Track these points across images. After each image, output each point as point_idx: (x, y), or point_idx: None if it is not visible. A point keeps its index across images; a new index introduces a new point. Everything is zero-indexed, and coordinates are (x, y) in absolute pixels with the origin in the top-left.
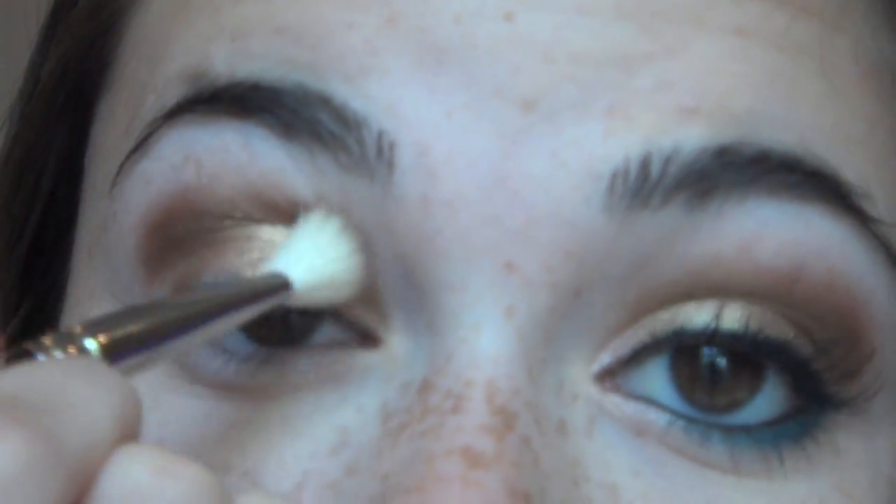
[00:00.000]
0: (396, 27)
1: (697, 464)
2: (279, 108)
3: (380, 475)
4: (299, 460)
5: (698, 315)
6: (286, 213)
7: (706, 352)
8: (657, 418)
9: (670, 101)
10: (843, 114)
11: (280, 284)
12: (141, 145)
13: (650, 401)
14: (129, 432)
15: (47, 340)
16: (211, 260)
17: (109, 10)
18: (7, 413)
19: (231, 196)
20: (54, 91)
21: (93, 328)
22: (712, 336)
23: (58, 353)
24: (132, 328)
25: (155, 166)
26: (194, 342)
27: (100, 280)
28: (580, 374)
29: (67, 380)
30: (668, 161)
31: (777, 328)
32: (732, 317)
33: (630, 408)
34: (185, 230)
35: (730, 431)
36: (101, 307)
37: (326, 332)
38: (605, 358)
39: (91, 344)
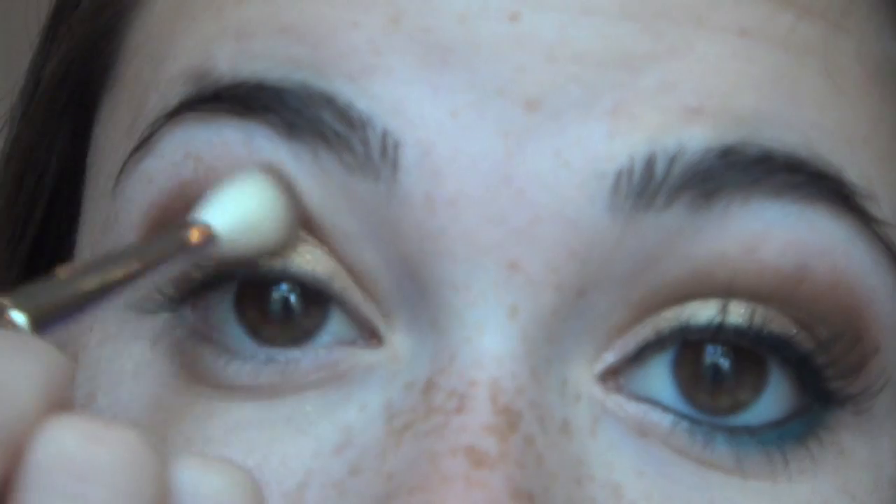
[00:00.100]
0: (400, 27)
1: (701, 465)
2: (283, 108)
3: (384, 474)
4: (303, 459)
5: (703, 311)
6: None
7: (709, 352)
8: (661, 419)
9: (674, 101)
10: (847, 114)
11: (206, 235)
12: (143, 144)
13: (653, 402)
14: (59, 402)
15: None
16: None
17: (112, 10)
18: None
19: None
20: (56, 91)
21: (19, 299)
22: (717, 331)
23: None
24: (60, 295)
25: (157, 164)
26: (125, 298)
27: None
28: (583, 374)
29: None
30: (672, 161)
31: (781, 324)
32: (737, 311)
33: (633, 408)
34: None
35: (734, 433)
36: (104, 308)
37: (331, 331)
38: (609, 357)
39: (18, 316)
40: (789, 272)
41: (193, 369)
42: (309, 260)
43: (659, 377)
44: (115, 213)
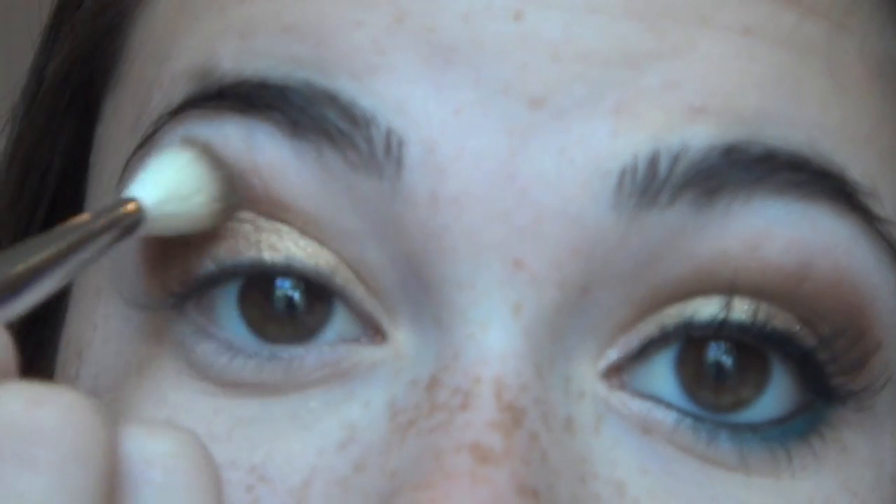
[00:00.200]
0: (404, 25)
1: (705, 462)
2: (286, 106)
3: (388, 471)
4: (307, 456)
5: (706, 307)
6: (283, 207)
7: (712, 349)
8: (665, 417)
9: (678, 99)
10: (850, 113)
11: (135, 210)
12: (146, 142)
13: (656, 399)
14: (1, 374)
15: None
16: (211, 251)
17: (115, 9)
18: None
19: None
20: (59, 90)
21: None
22: (720, 327)
23: None
24: None
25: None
26: (62, 278)
27: (105, 276)
28: (587, 371)
29: None
30: (676, 159)
31: (783, 321)
32: (741, 308)
33: (636, 405)
34: None
35: (737, 430)
36: (107, 304)
37: (335, 329)
38: (612, 355)
39: None
40: (792, 270)
41: (197, 366)
42: (310, 254)
43: (662, 375)
44: None
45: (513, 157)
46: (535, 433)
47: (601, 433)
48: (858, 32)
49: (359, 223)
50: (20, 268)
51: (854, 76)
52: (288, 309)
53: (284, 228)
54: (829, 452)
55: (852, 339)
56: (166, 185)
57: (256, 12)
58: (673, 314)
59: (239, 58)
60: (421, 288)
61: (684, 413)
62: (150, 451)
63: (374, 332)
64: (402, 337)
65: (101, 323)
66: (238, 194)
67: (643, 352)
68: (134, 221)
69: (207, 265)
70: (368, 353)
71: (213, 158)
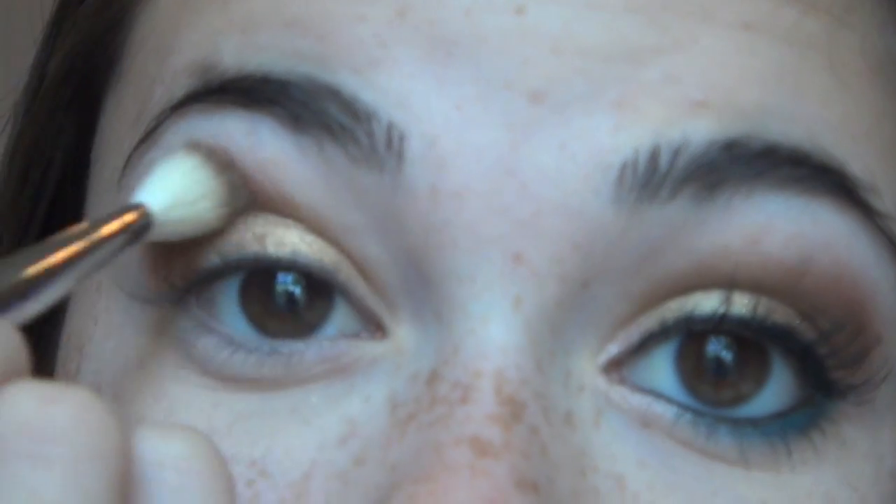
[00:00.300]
0: (406, 20)
1: (704, 456)
2: (288, 100)
3: (388, 465)
4: (307, 451)
5: (707, 301)
6: (286, 201)
7: (712, 344)
8: (664, 411)
9: (679, 94)
10: (851, 108)
11: (142, 215)
12: (148, 137)
13: (656, 393)
14: (13, 373)
15: None
16: (216, 244)
17: (118, 5)
18: None
19: None
20: (61, 86)
21: None
22: (720, 321)
23: None
24: (8, 280)
25: (161, 157)
26: (70, 283)
27: (106, 271)
28: (587, 365)
29: None
30: (676, 153)
31: (783, 315)
32: (741, 302)
33: (636, 400)
34: None
35: (737, 424)
36: (108, 298)
37: (335, 324)
38: (613, 349)
39: None
40: (792, 265)
41: (197, 360)
42: (315, 250)
43: (662, 369)
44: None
45: (514, 151)
46: (534, 427)
47: (601, 427)
48: (859, 29)
49: (360, 217)
50: (31, 272)
51: (855, 72)
52: (289, 304)
53: (290, 223)
54: (829, 447)
55: (852, 333)
56: (172, 190)
57: (258, 7)
58: (673, 308)
59: (241, 52)
60: (421, 282)
61: (684, 407)
62: (164, 452)
63: (374, 327)
64: (402, 332)
65: (102, 318)
66: (243, 198)
67: (643, 346)
68: (141, 227)
69: (212, 259)
70: (369, 348)
71: (218, 163)
